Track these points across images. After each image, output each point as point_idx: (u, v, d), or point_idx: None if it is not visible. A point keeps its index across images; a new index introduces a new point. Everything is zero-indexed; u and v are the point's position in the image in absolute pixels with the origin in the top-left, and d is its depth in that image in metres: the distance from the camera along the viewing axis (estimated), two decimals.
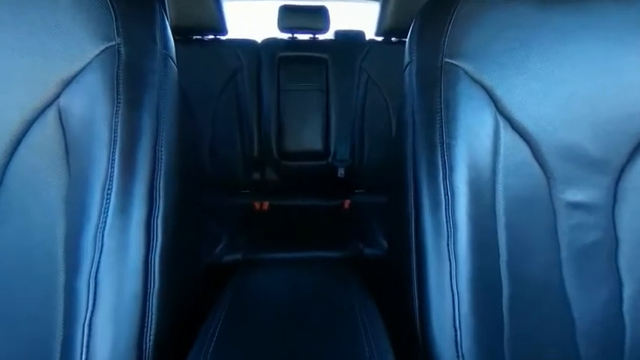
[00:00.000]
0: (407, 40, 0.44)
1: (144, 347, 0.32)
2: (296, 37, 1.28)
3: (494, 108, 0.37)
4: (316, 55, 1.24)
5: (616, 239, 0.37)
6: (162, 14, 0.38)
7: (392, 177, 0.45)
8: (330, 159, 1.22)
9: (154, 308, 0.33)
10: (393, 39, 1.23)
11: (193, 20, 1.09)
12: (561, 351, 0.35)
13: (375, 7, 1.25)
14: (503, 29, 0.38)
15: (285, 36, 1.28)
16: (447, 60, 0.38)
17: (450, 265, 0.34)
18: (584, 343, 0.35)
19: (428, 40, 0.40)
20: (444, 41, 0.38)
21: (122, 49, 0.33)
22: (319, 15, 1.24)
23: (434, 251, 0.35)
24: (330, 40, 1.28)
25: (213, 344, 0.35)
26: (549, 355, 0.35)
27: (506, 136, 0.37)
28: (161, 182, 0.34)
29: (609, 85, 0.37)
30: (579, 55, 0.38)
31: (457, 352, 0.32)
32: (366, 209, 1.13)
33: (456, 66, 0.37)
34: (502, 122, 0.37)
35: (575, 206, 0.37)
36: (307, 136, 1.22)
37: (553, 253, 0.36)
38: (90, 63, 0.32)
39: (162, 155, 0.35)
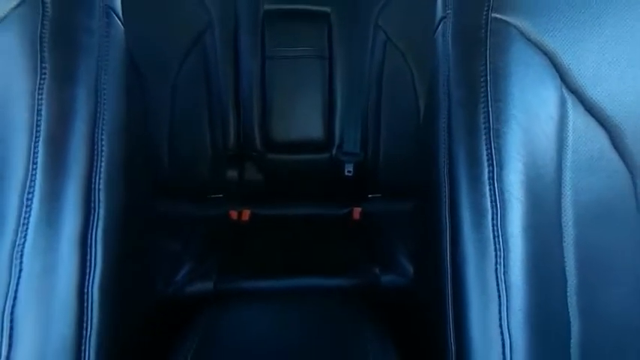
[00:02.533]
0: None
1: None
2: None
3: (559, 81, 0.37)
4: (314, 8, 1.24)
5: None
6: None
7: (419, 176, 0.46)
8: (334, 151, 1.22)
9: (90, 356, 0.33)
10: None
11: None
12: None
13: None
14: None
15: None
16: (495, 15, 0.38)
17: (500, 298, 0.34)
18: None
19: None
20: None
21: (48, 1, 0.33)
22: None
23: (476, 279, 0.35)
24: None
25: None
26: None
27: (577, 119, 0.37)
28: (101, 183, 0.34)
29: None
30: None
31: None
32: (383, 221, 1.13)
33: (508, 23, 0.38)
34: (571, 101, 0.37)
35: None
36: (303, 120, 1.22)
37: None
38: (3, 19, 0.32)
39: (102, 146, 0.35)
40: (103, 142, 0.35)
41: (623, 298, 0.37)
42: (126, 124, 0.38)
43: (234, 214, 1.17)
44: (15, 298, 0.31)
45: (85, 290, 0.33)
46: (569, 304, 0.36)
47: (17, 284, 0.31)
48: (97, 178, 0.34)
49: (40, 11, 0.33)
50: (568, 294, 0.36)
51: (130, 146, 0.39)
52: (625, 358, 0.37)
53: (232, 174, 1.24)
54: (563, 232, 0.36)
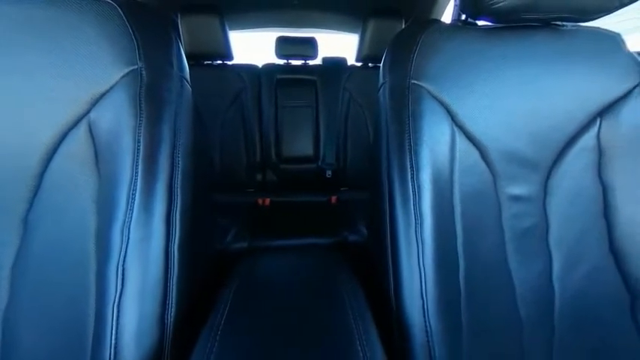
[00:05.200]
0: (381, 65, 0.45)
1: (166, 323, 0.31)
2: (290, 63, 1.28)
3: (451, 120, 0.37)
4: (307, 77, 1.24)
5: (546, 224, 0.38)
6: (178, 42, 0.37)
7: (371, 177, 0.46)
8: (319, 162, 1.22)
9: (174, 291, 0.32)
10: (370, 64, 1.24)
11: (204, 47, 1.07)
12: (505, 312, 0.36)
13: (355, 38, 1.26)
14: (457, 56, 0.39)
15: (282, 61, 1.28)
16: (413, 81, 0.38)
17: (418, 248, 0.34)
18: (523, 304, 0.36)
19: (398, 64, 0.41)
20: (411, 66, 0.39)
21: (144, 72, 0.32)
22: (309, 44, 1.24)
23: (405, 237, 0.35)
24: (319, 65, 1.28)
25: (222, 323, 0.35)
26: (496, 315, 0.36)
27: (461, 143, 0.37)
28: (178, 183, 0.34)
29: (540, 103, 0.39)
30: (517, 79, 0.39)
31: (424, 317, 0.33)
32: (349, 204, 1.13)
33: (420, 86, 0.38)
34: (457, 132, 0.37)
35: (515, 199, 0.38)
36: (301, 144, 1.22)
37: (498, 236, 0.37)
38: (116, 84, 0.31)
39: (179, 160, 0.34)
40: (179, 158, 0.34)
41: (490, 247, 0.37)
42: (193, 147, 0.37)
43: (260, 201, 1.15)
44: (125, 254, 0.30)
45: (169, 250, 0.32)
46: (458, 250, 0.36)
47: (127, 247, 0.30)
48: (176, 179, 0.33)
49: (139, 79, 0.32)
50: (457, 245, 0.36)
51: (195, 160, 0.38)
52: (490, 280, 0.37)
53: (259, 176, 1.24)
54: (454, 208, 0.36)
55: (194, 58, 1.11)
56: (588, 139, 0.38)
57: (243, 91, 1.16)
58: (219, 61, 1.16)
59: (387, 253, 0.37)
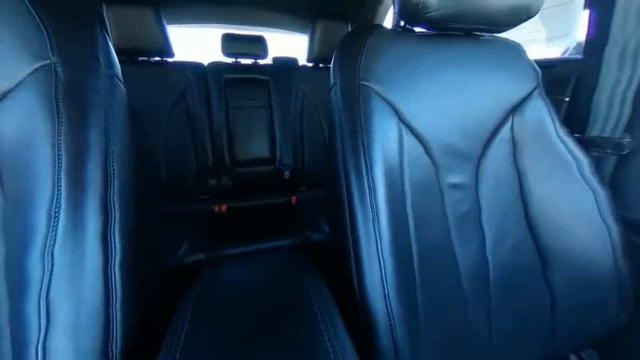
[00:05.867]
0: (331, 66, 0.46)
1: (111, 357, 0.27)
2: (239, 62, 1.23)
3: (397, 119, 0.40)
4: (259, 77, 1.20)
5: (479, 208, 0.43)
6: (105, 35, 0.32)
7: (328, 175, 0.46)
8: (277, 164, 1.19)
9: (118, 318, 0.28)
10: (320, 65, 1.27)
11: (137, 42, 0.96)
12: (452, 287, 0.40)
13: (305, 39, 1.27)
14: (400, 60, 0.42)
15: (230, 60, 1.22)
16: (362, 82, 0.40)
17: (376, 239, 0.35)
18: (465, 279, 0.41)
19: (347, 66, 0.42)
20: (359, 68, 0.40)
21: (59, 68, 0.27)
22: (258, 43, 1.21)
23: (364, 230, 0.36)
24: (270, 65, 1.26)
25: (182, 339, 0.32)
26: (445, 291, 0.40)
27: (408, 139, 0.40)
28: (115, 196, 0.29)
29: (468, 102, 0.44)
30: (449, 81, 0.44)
31: (386, 303, 0.35)
32: (309, 203, 1.14)
33: (369, 87, 0.40)
34: (404, 129, 0.40)
35: (454, 187, 0.43)
36: (256, 146, 1.18)
37: (443, 221, 0.41)
38: (22, 82, 0.26)
39: (114, 170, 0.30)
40: (114, 168, 0.30)
41: (437, 232, 0.40)
42: (131, 153, 0.33)
43: (216, 208, 1.08)
44: (49, 285, 0.25)
45: (109, 271, 0.28)
46: (410, 237, 0.38)
47: (50, 275, 0.25)
48: (112, 192, 0.29)
49: (53, 76, 0.27)
50: (410, 232, 0.38)
51: (136, 168, 0.34)
52: (438, 260, 0.40)
53: (213, 182, 1.16)
54: (406, 199, 0.39)
55: (126, 54, 0.98)
56: (505, 132, 0.45)
57: (188, 91, 1.07)
58: (158, 58, 1.05)
59: (349, 247, 0.38)
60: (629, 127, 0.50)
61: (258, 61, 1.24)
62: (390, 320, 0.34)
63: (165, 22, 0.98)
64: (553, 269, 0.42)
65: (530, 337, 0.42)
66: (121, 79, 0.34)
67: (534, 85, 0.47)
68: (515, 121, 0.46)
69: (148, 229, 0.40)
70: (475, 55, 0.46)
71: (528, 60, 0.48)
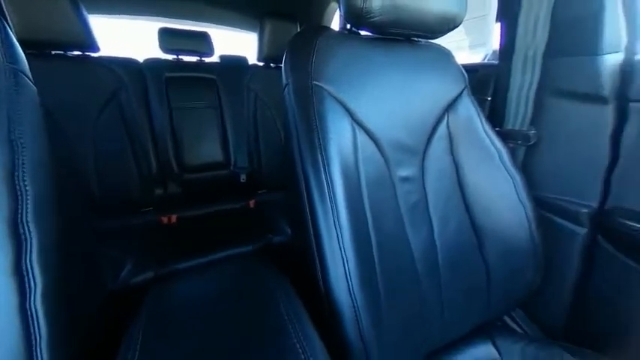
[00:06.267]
0: (282, 65, 0.46)
1: None
2: (181, 59, 1.13)
3: (350, 118, 0.42)
4: (205, 76, 1.12)
5: (426, 197, 0.48)
6: (4, 25, 0.26)
7: (286, 176, 0.46)
8: (231, 167, 1.14)
9: (44, 357, 0.23)
10: (271, 64, 1.24)
11: (48, 34, 0.80)
12: (408, 271, 0.44)
13: (254, 37, 1.24)
14: (350, 61, 0.44)
15: (170, 57, 1.11)
16: (314, 82, 0.41)
17: (337, 234, 0.36)
18: (419, 263, 0.45)
19: (298, 66, 0.42)
20: (311, 68, 0.41)
21: None
22: (202, 39, 1.13)
23: (325, 226, 0.37)
24: (217, 63, 1.19)
25: None
26: (402, 277, 0.43)
27: (361, 137, 0.42)
28: (29, 217, 0.24)
29: (411, 102, 0.48)
30: (393, 83, 0.47)
31: (350, 295, 0.36)
32: (269, 205, 1.11)
33: (322, 87, 0.41)
34: (356, 127, 0.42)
35: (404, 179, 0.46)
36: (207, 149, 1.10)
37: (397, 212, 0.44)
38: None
39: (26, 187, 0.24)
40: (27, 183, 0.24)
41: (391, 222, 0.43)
42: (49, 165, 0.27)
43: (164, 220, 0.98)
44: None
45: (28, 307, 0.23)
46: (369, 229, 0.40)
47: None
48: (24, 213, 0.24)
49: None
50: (368, 225, 0.40)
51: (58, 181, 0.29)
52: (395, 248, 0.42)
53: (159, 191, 1.04)
54: (362, 194, 0.40)
55: (34, 47, 0.82)
56: (442, 129, 0.51)
57: (121, 90, 0.94)
58: (78, 53, 0.90)
59: (312, 244, 0.38)
60: (533, 122, 0.60)
61: (203, 59, 1.16)
62: (355, 311, 0.35)
63: (84, 11, 0.85)
64: (487, 246, 0.48)
65: (472, 306, 0.48)
66: (30, 77, 0.28)
67: (463, 86, 0.53)
68: (450, 118, 0.51)
69: (78, 252, 0.34)
70: (414, 59, 0.51)
71: (457, 64, 0.55)
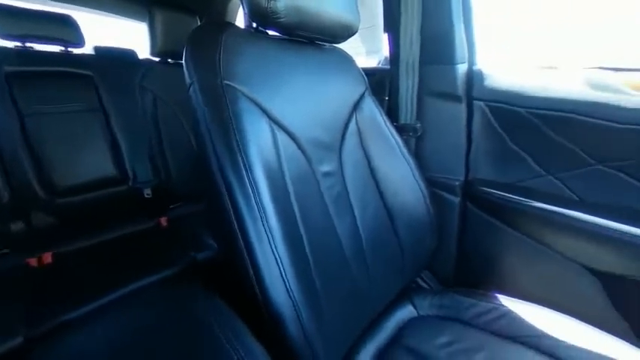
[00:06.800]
0: (183, 62, 0.41)
1: None
2: (31, 47, 0.86)
3: (267, 118, 0.41)
4: (76, 71, 0.89)
5: (346, 189, 0.52)
6: None
7: (204, 184, 0.42)
8: (130, 182, 0.94)
9: None
10: (170, 60, 1.09)
11: None
12: (338, 258, 0.47)
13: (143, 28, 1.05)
14: (261, 61, 0.43)
15: (11, 44, 0.82)
16: (226, 82, 0.38)
17: (268, 237, 0.36)
18: (347, 249, 0.49)
19: (204, 64, 0.39)
20: (220, 66, 0.38)
21: None
22: (63, 24, 0.88)
23: (254, 231, 0.36)
24: (91, 56, 0.96)
25: None
26: (335, 266, 0.46)
27: (281, 136, 0.43)
28: None
29: (323, 102, 0.52)
30: (306, 84, 0.49)
31: (289, 296, 0.36)
32: (187, 220, 0.98)
33: (234, 87, 0.39)
34: (275, 127, 0.42)
35: (326, 174, 0.49)
36: (90, 164, 0.88)
37: (322, 205, 0.47)
38: None
39: None
40: None
41: (319, 215, 0.45)
42: None
43: (33, 262, 0.73)
44: None
45: None
46: (299, 226, 0.40)
47: None
48: None
49: None
50: (298, 222, 0.41)
51: None
52: (325, 239, 0.45)
53: (17, 226, 0.76)
54: (289, 192, 0.41)
55: None
56: (352, 126, 0.57)
57: None
58: None
59: (242, 253, 0.37)
60: (418, 117, 0.75)
61: (70, 49, 0.91)
62: (295, 310, 0.36)
63: None
64: (397, 223, 0.57)
65: (393, 276, 0.56)
66: None
67: (365, 88, 0.61)
68: (357, 116, 0.58)
69: None
70: (321, 62, 0.54)
71: (358, 68, 0.62)
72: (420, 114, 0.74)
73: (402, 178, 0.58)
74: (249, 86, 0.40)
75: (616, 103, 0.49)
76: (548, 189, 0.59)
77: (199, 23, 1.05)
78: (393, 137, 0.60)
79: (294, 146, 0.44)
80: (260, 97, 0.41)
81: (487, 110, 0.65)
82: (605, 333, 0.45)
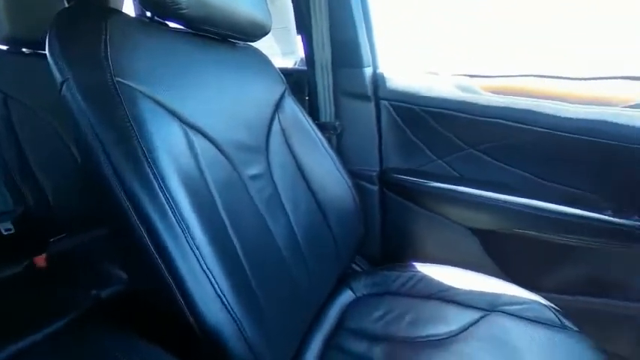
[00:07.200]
0: (48, 54, 0.32)
1: None
2: None
3: (179, 121, 0.37)
4: None
5: (277, 190, 0.52)
6: None
7: (98, 206, 0.34)
8: None
9: None
10: (24, 50, 0.83)
11: None
12: (277, 261, 0.46)
13: None
14: (163, 57, 0.38)
15: None
16: (119, 80, 0.32)
17: (195, 253, 0.32)
18: (285, 250, 0.48)
19: (83, 58, 0.32)
20: (107, 61, 0.32)
21: None
22: None
23: (177, 250, 0.32)
24: None
25: None
26: (272, 267, 0.45)
27: (198, 141, 0.38)
28: None
29: (243, 102, 0.50)
30: (221, 83, 0.46)
31: (228, 310, 0.33)
32: (78, 252, 0.78)
33: (131, 87, 0.33)
34: (190, 131, 0.38)
35: (254, 177, 0.48)
36: None
37: (254, 210, 0.45)
38: None
39: None
40: None
41: (251, 221, 0.44)
42: None
43: None
44: None
45: None
46: (231, 237, 0.38)
47: None
48: None
49: None
50: (229, 231, 0.38)
51: None
52: (261, 247, 0.43)
53: None
54: (215, 201, 0.37)
55: None
56: (276, 126, 0.57)
57: None
58: None
59: (164, 277, 0.32)
60: (337, 116, 0.80)
61: None
62: (237, 325, 0.34)
63: None
64: (329, 216, 0.60)
65: (331, 267, 0.60)
66: None
67: (284, 88, 0.61)
68: (280, 116, 0.58)
69: None
70: (236, 61, 0.52)
71: (275, 68, 0.62)
72: (338, 113, 0.80)
73: (327, 172, 0.62)
74: (151, 85, 0.35)
75: (475, 101, 0.65)
76: (440, 171, 0.73)
77: (66, 4, 0.83)
78: (316, 134, 0.62)
79: (214, 150, 0.41)
80: (167, 97, 0.36)
81: (391, 108, 0.76)
82: (486, 275, 0.59)
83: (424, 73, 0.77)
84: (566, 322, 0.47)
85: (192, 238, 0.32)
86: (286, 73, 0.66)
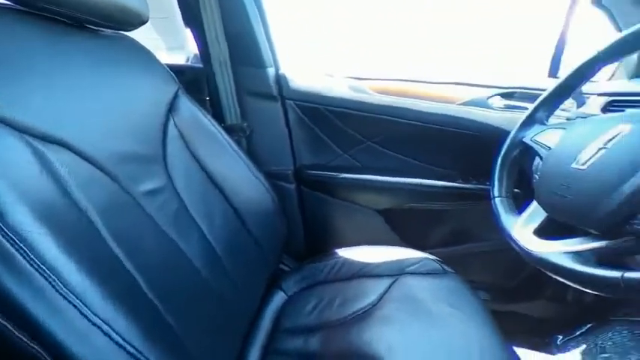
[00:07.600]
0: None
1: None
2: None
3: (19, 134, 0.27)
4: None
5: (183, 202, 0.46)
6: None
7: None
8: None
9: None
10: None
11: None
12: (191, 280, 0.41)
13: None
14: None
15: None
16: None
17: (75, 306, 0.25)
18: (202, 267, 0.43)
19: None
20: None
21: None
22: None
23: (47, 308, 0.24)
24: None
25: None
26: (188, 288, 0.39)
27: (57, 156, 0.29)
28: None
29: (125, 103, 0.41)
30: (88, 79, 0.37)
31: (135, 357, 0.27)
32: None
33: None
34: (40, 145, 0.28)
35: (151, 193, 0.40)
36: None
37: (156, 230, 0.39)
38: None
39: None
40: None
41: (155, 244, 0.37)
42: None
43: None
44: None
45: None
46: (129, 270, 0.31)
47: None
48: None
49: None
50: (125, 264, 0.31)
51: None
52: (173, 270, 0.38)
53: None
54: (99, 230, 0.30)
55: None
56: (172, 130, 0.49)
57: None
58: None
59: (28, 349, 0.23)
60: (243, 117, 0.77)
61: None
62: None
63: None
64: (248, 221, 0.57)
65: (258, 272, 0.58)
66: None
67: (176, 87, 0.54)
68: (175, 119, 0.51)
69: None
70: (104, 53, 0.42)
71: (162, 64, 0.54)
72: (244, 114, 0.77)
73: (241, 177, 0.59)
74: None
75: (366, 100, 0.76)
76: (346, 163, 0.81)
77: None
78: (223, 137, 0.58)
79: (87, 168, 0.32)
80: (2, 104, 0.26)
81: (297, 108, 0.78)
82: (392, 247, 0.71)
83: (322, 75, 0.83)
84: (447, 268, 0.62)
85: (63, 284, 0.25)
86: (177, 70, 0.58)
